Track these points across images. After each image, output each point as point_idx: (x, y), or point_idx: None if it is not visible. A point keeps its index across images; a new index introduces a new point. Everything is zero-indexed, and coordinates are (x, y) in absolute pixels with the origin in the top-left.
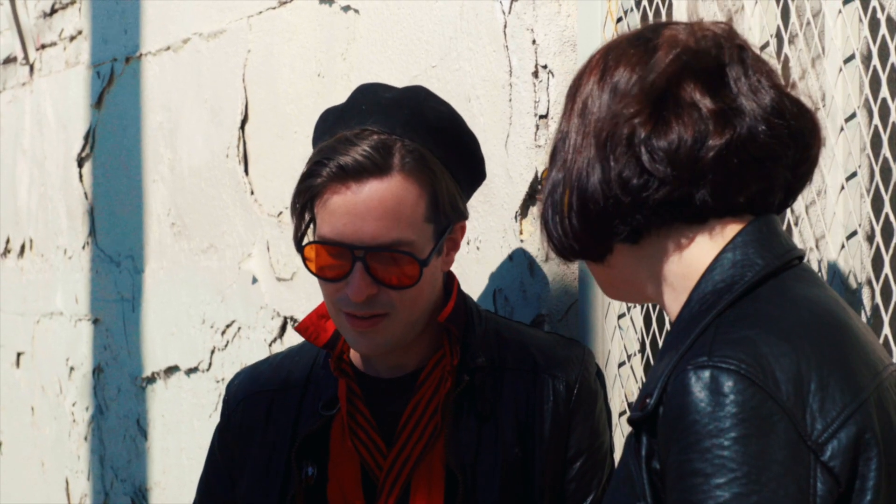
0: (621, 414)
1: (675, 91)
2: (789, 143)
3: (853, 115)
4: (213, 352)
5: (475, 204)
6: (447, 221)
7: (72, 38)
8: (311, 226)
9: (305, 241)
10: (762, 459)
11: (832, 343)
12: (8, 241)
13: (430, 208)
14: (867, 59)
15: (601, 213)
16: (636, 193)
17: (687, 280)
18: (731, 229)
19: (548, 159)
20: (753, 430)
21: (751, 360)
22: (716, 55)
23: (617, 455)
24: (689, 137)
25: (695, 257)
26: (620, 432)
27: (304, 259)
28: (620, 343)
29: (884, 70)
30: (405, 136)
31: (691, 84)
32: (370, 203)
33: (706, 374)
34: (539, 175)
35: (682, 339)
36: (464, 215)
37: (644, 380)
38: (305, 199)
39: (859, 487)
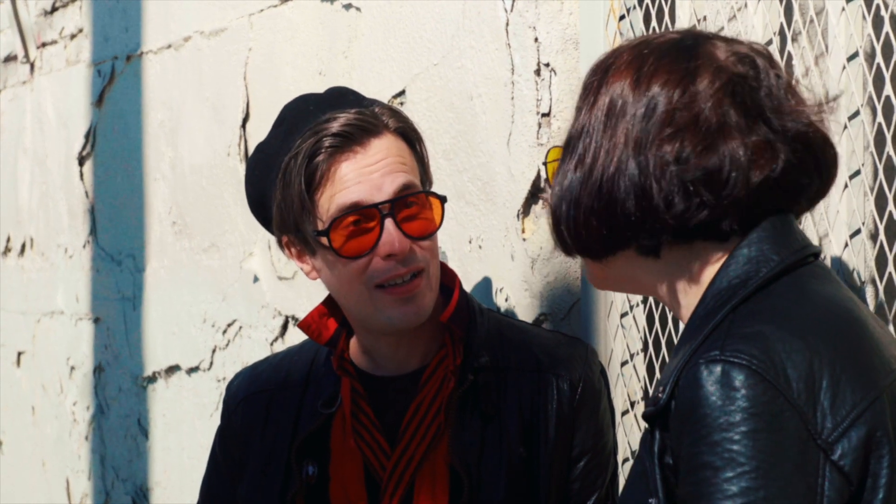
0: (624, 413)
1: (721, 119)
2: (814, 175)
3: (857, 113)
4: (214, 351)
5: (476, 202)
6: (430, 184)
7: (72, 37)
8: (313, 216)
9: (321, 226)
10: (772, 455)
11: (846, 340)
12: (9, 240)
13: (421, 167)
14: (871, 56)
15: (628, 222)
16: (677, 215)
17: (701, 285)
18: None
19: (562, 147)
20: (763, 425)
21: (763, 355)
22: (755, 82)
23: (621, 454)
24: (734, 168)
25: (713, 267)
26: (623, 431)
27: (331, 246)
28: (623, 342)
29: (887, 68)
30: (373, 106)
31: (734, 113)
32: (378, 157)
33: (717, 368)
34: (542, 174)
35: (695, 334)
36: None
37: (647, 378)
38: (314, 184)
39: (871, 486)
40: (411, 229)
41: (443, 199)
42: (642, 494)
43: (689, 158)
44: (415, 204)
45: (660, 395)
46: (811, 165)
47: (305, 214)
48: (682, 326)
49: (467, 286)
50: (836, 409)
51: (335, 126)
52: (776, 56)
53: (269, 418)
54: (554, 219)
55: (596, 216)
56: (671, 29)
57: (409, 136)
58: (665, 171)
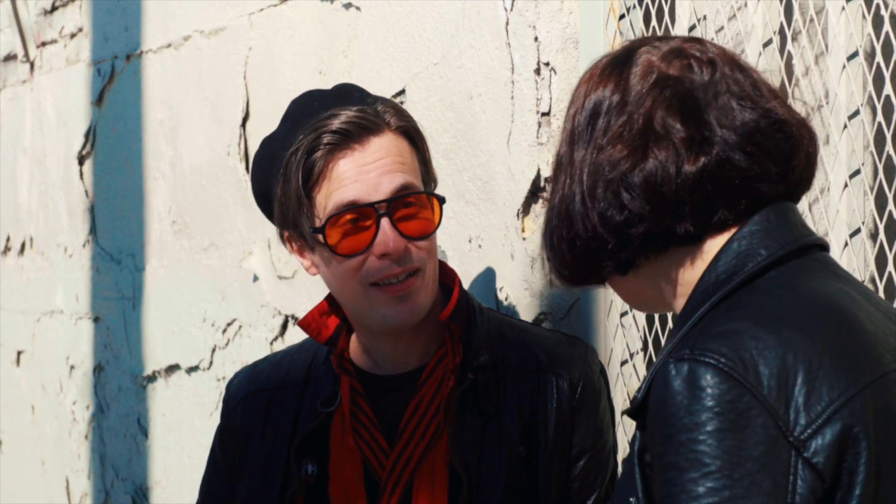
0: (623, 412)
1: (647, 120)
2: (767, 161)
3: (856, 113)
4: (213, 350)
5: (476, 201)
6: (433, 186)
7: (72, 36)
8: (311, 213)
9: (318, 223)
10: (736, 455)
11: (827, 335)
12: (8, 240)
13: (422, 166)
14: (870, 56)
15: (587, 248)
16: (618, 231)
17: (692, 285)
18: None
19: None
20: (728, 424)
21: (731, 353)
22: (687, 75)
23: (621, 453)
24: (665, 169)
25: (699, 268)
26: (623, 430)
27: (326, 243)
28: (623, 341)
29: (887, 67)
30: (376, 105)
31: (663, 112)
32: (377, 155)
33: (685, 367)
34: (542, 173)
35: (677, 331)
36: (436, 186)
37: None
38: (312, 180)
39: (847, 483)
40: (408, 229)
41: (441, 200)
42: (627, 493)
43: (621, 168)
44: (413, 204)
45: (637, 393)
46: (763, 156)
47: (303, 210)
48: None
49: (467, 285)
50: (811, 405)
51: (335, 123)
52: (734, 50)
53: (269, 417)
54: (542, 253)
55: (567, 244)
56: (671, 28)
57: (412, 135)
58: (605, 188)
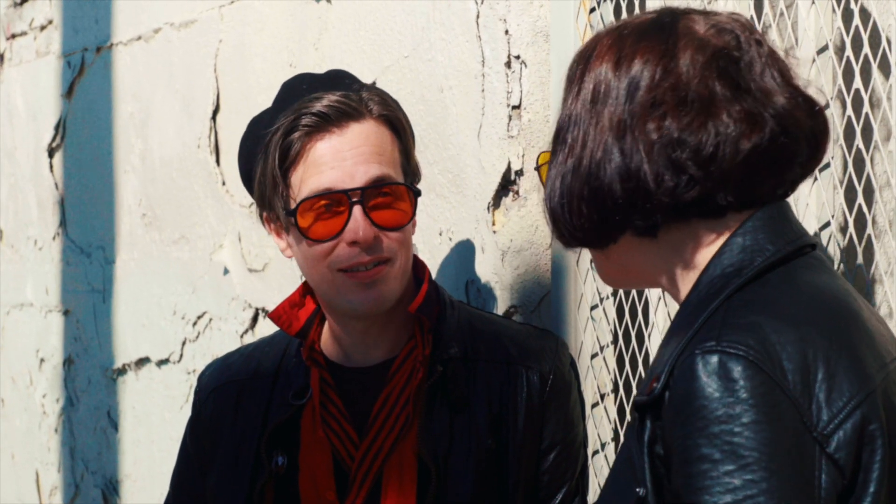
0: (594, 405)
1: (706, 93)
2: (803, 143)
3: (826, 106)
4: (184, 343)
5: (447, 194)
6: (414, 176)
7: (42, 28)
8: (286, 194)
9: (293, 205)
10: (772, 447)
11: (840, 332)
12: None
13: (402, 155)
14: (840, 49)
15: (617, 206)
16: (668, 193)
17: (698, 269)
18: (744, 217)
19: (551, 140)
20: (763, 416)
21: (759, 346)
22: (737, 52)
23: (591, 446)
24: (722, 141)
25: (709, 249)
26: (593, 423)
27: (297, 226)
28: (593, 334)
29: (857, 61)
30: (361, 91)
31: (720, 85)
32: (355, 142)
33: (714, 359)
34: (512, 166)
35: (689, 322)
36: (419, 178)
37: (616, 371)
38: (287, 160)
39: (862, 480)
40: (381, 219)
41: (416, 193)
42: (628, 483)
43: (676, 135)
44: (388, 194)
45: (654, 384)
46: (799, 133)
47: (278, 191)
48: (652, 318)
49: (437, 278)
50: (832, 401)
51: (316, 106)
52: (756, 25)
53: (240, 409)
54: (549, 211)
55: (586, 203)
56: None
57: (395, 125)
58: (652, 150)
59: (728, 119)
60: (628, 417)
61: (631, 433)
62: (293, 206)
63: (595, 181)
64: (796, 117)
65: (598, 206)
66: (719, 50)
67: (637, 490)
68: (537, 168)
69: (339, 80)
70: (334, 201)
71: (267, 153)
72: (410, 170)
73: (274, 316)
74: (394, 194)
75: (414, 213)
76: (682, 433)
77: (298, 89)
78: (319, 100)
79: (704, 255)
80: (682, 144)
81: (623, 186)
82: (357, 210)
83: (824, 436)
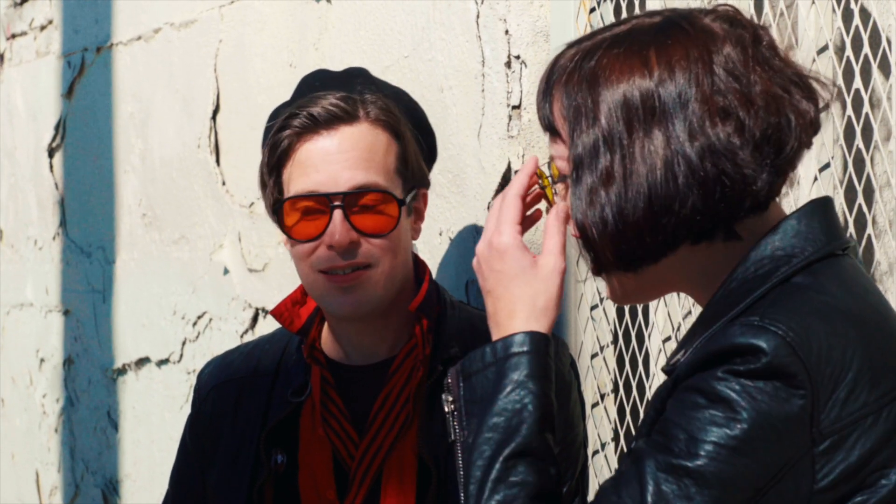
0: (594, 405)
1: (765, 85)
2: (813, 129)
3: (826, 106)
4: (184, 343)
5: (447, 194)
6: (414, 181)
7: (42, 28)
8: (273, 190)
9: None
10: (765, 417)
11: (878, 338)
12: None
13: (399, 160)
14: (840, 49)
15: (696, 215)
16: (762, 188)
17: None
18: (778, 211)
19: (570, 170)
20: (771, 389)
21: (801, 329)
22: (756, 43)
23: (591, 446)
24: (791, 130)
25: (753, 243)
26: (593, 423)
27: (282, 223)
28: (593, 334)
29: (857, 61)
30: (365, 93)
31: (766, 76)
32: (343, 146)
33: (752, 330)
34: (512, 166)
35: (732, 301)
36: (427, 182)
37: (616, 371)
38: (276, 157)
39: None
40: (363, 224)
41: (400, 203)
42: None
43: (759, 132)
44: (374, 200)
45: (680, 356)
46: (813, 120)
47: (266, 186)
48: (652, 318)
49: (438, 278)
50: (848, 404)
51: (310, 107)
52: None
53: (240, 407)
54: (589, 240)
55: (649, 222)
56: None
57: (394, 129)
58: (737, 150)
59: (790, 111)
60: (628, 417)
61: (654, 399)
62: (279, 203)
63: (663, 197)
64: (814, 103)
65: (665, 221)
66: (747, 42)
67: (638, 442)
68: (543, 187)
69: (351, 79)
70: (317, 203)
71: (264, 147)
72: (409, 175)
73: (276, 313)
74: (381, 200)
75: (397, 223)
76: (698, 374)
77: (311, 85)
78: (316, 100)
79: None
80: (766, 138)
81: (704, 194)
82: (337, 214)
83: (822, 434)
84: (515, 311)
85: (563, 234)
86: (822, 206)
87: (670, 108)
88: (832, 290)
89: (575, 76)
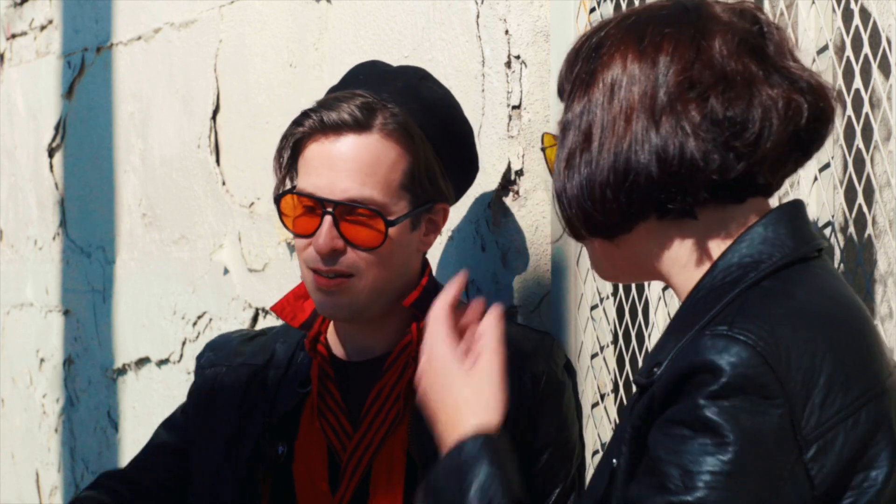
0: (594, 405)
1: (743, 70)
2: (826, 124)
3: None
4: (184, 343)
5: None
6: (426, 196)
7: (42, 28)
8: (283, 178)
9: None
10: (751, 434)
11: (850, 340)
12: None
13: (407, 176)
14: (840, 49)
15: (652, 187)
16: (717, 170)
17: (712, 256)
18: (761, 208)
19: (559, 134)
20: (748, 405)
21: (770, 338)
22: (761, 35)
23: (591, 446)
24: (767, 118)
25: (727, 235)
26: (593, 423)
27: (280, 213)
28: (593, 334)
29: (857, 61)
30: (391, 102)
31: (755, 67)
32: (345, 156)
33: (721, 342)
34: (512, 166)
35: (701, 310)
36: (446, 197)
37: (617, 371)
38: (289, 149)
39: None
40: (352, 235)
41: (388, 224)
42: (609, 457)
43: (722, 114)
44: (366, 214)
45: (655, 369)
46: (822, 114)
47: (276, 174)
48: (652, 318)
49: (438, 278)
50: (825, 408)
51: (329, 109)
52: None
53: (248, 393)
54: (561, 202)
55: (612, 188)
56: None
57: (409, 145)
58: (699, 129)
59: (769, 100)
60: None
61: (625, 410)
62: (285, 193)
63: (625, 165)
64: (822, 97)
65: (627, 190)
66: (747, 32)
67: (612, 461)
68: (543, 149)
69: (386, 80)
70: (314, 204)
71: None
72: (419, 190)
73: (277, 308)
74: (369, 216)
75: (384, 240)
76: (675, 399)
77: (353, 80)
78: (337, 103)
79: (720, 244)
80: (730, 122)
81: (661, 168)
82: (327, 220)
83: (806, 441)
84: (461, 415)
85: (500, 330)
86: (789, 212)
87: (650, 84)
88: (800, 294)
89: (584, 47)
